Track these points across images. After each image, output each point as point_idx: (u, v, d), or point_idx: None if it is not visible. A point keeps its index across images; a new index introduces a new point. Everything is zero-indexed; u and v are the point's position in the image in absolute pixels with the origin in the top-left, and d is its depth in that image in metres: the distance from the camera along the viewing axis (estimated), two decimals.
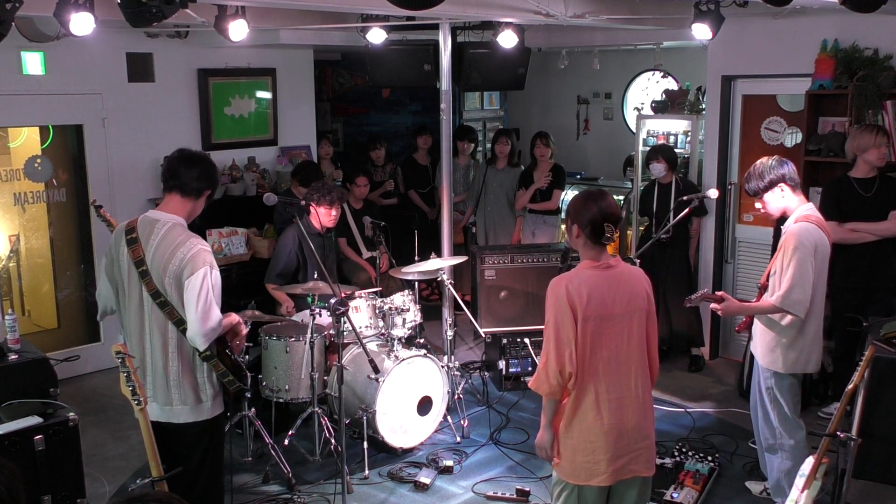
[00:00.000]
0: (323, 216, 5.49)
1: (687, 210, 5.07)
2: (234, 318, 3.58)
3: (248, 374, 3.60)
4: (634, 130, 7.62)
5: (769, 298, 4.02)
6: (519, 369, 6.10)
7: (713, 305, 4.18)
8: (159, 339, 3.38)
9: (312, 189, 5.59)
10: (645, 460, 3.25)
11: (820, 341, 4.13)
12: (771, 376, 4.13)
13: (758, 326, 4.20)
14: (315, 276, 5.47)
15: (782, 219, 4.23)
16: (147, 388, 3.36)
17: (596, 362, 3.16)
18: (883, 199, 5.16)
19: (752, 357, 4.47)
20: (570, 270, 3.28)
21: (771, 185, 4.05)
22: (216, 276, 3.34)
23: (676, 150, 6.92)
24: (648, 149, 6.96)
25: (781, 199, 4.08)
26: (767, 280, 4.14)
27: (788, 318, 4.00)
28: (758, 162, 4.14)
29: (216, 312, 3.30)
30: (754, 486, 4.66)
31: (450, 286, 5.78)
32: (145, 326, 3.39)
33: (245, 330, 3.64)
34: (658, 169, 6.43)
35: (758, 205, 4.21)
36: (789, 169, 4.07)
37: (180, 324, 3.34)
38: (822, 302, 4.10)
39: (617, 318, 3.17)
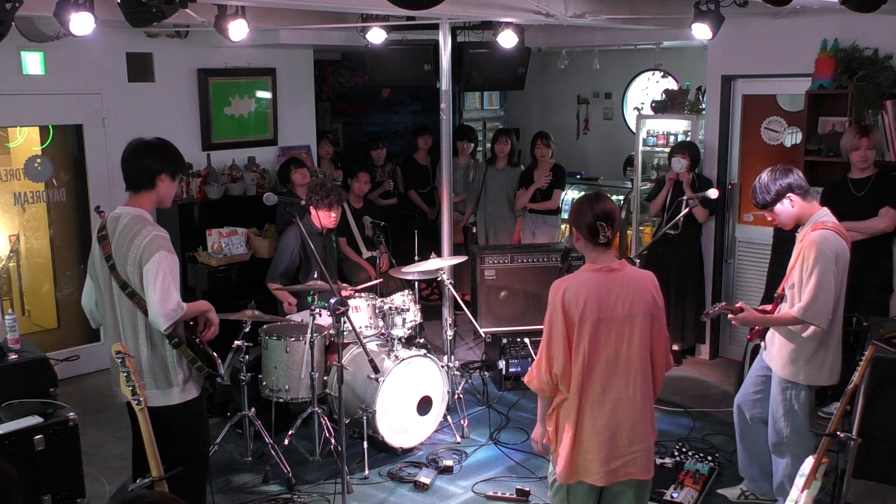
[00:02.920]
0: (323, 218, 5.53)
1: (687, 210, 5.09)
2: (205, 304, 3.69)
3: (219, 361, 3.69)
4: (634, 130, 7.62)
5: (790, 310, 3.91)
6: (519, 369, 6.09)
7: (730, 316, 4.07)
8: (130, 328, 3.51)
9: (311, 191, 5.61)
10: (642, 464, 3.24)
11: (840, 353, 4.03)
12: (791, 387, 4.05)
13: (777, 338, 4.09)
14: (315, 275, 5.48)
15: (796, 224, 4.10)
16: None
17: (595, 364, 3.17)
18: (874, 197, 5.19)
19: (750, 358, 4.45)
20: (571, 273, 3.29)
21: (779, 196, 3.92)
22: (172, 259, 3.46)
23: None
24: (674, 144, 6.83)
25: (792, 208, 3.95)
26: (784, 290, 4.04)
27: (810, 329, 3.90)
28: (762, 174, 4.00)
29: (174, 294, 3.42)
30: (730, 492, 4.58)
31: (450, 286, 5.78)
32: (117, 317, 3.54)
33: (217, 318, 3.71)
34: (682, 164, 6.32)
35: (769, 217, 4.08)
36: (795, 177, 3.94)
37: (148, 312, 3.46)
38: (842, 312, 3.98)
39: (617, 321, 3.16)
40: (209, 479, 3.92)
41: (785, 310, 4.00)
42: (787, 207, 3.95)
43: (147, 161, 3.52)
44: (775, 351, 4.11)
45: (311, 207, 5.40)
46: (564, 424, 3.23)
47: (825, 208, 4.03)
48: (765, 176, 3.98)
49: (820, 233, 3.86)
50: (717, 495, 4.63)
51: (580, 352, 3.15)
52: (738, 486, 4.57)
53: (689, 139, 7.02)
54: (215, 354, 3.69)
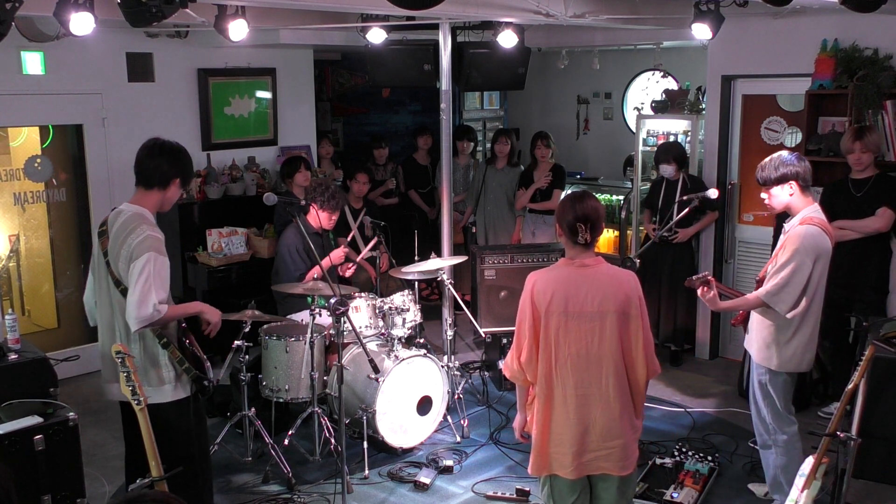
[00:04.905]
0: (322, 219, 5.53)
1: (687, 210, 5.08)
2: (195, 306, 3.73)
3: (209, 365, 3.68)
4: (634, 130, 7.62)
5: (755, 292, 4.00)
6: None
7: (699, 290, 4.06)
8: (122, 324, 3.52)
9: (315, 190, 5.60)
10: (617, 459, 3.26)
11: (815, 342, 4.10)
12: (765, 372, 4.12)
13: (754, 323, 4.18)
14: (315, 275, 5.47)
15: (783, 215, 4.18)
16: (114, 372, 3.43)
17: (564, 358, 3.22)
18: (872, 197, 5.21)
19: (748, 355, 4.47)
20: (547, 267, 3.37)
21: (783, 178, 3.96)
22: (162, 262, 3.45)
23: None
24: (657, 148, 6.82)
25: (789, 195, 3.99)
26: (765, 274, 4.10)
27: (794, 311, 3.94)
28: (776, 153, 4.07)
29: (152, 298, 3.39)
30: (758, 489, 4.62)
31: (450, 286, 5.78)
32: (114, 313, 3.55)
33: (217, 315, 3.72)
34: (669, 171, 6.39)
35: (763, 195, 4.10)
36: (805, 168, 3.99)
37: None
38: (821, 305, 4.05)
39: (587, 316, 3.20)
40: (209, 480, 3.93)
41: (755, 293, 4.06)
42: (785, 193, 4.00)
43: (167, 161, 3.58)
44: (753, 336, 4.19)
45: (313, 205, 5.39)
46: (537, 416, 3.31)
47: (816, 205, 4.08)
48: (777, 155, 4.04)
49: (806, 228, 3.92)
50: (717, 495, 4.63)
51: (548, 344, 3.22)
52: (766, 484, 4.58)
53: (688, 139, 7.03)
54: (205, 357, 3.69)
